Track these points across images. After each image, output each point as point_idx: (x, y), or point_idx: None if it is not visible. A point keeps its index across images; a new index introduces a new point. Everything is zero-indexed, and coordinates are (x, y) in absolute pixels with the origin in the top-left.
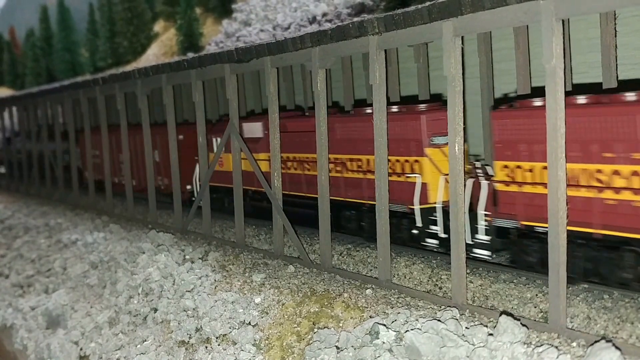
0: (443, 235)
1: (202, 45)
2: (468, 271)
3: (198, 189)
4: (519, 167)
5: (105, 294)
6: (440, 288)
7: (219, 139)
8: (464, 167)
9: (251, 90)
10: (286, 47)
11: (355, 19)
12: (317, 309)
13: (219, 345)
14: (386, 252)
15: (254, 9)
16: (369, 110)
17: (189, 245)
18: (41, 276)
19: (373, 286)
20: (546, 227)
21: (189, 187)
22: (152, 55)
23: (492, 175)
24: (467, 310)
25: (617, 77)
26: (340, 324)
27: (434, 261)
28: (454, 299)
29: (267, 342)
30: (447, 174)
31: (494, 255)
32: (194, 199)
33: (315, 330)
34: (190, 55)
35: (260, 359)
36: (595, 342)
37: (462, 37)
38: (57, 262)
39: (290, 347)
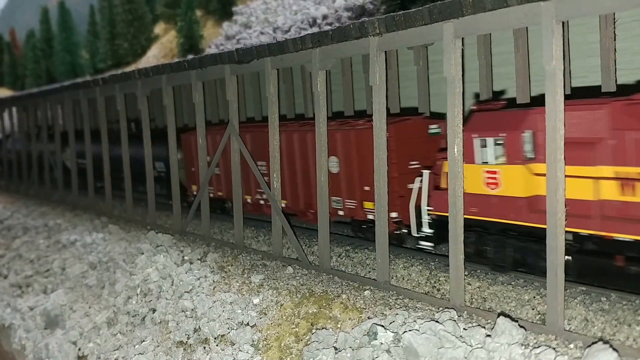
0: None
1: (202, 48)
2: (466, 273)
3: (427, 221)
4: None
5: (103, 294)
6: (439, 290)
7: (488, 140)
8: None
9: (251, 94)
10: (287, 47)
11: (356, 21)
12: (315, 310)
13: (217, 345)
14: (385, 253)
15: (255, 12)
16: None
17: (187, 246)
18: (40, 276)
19: (371, 287)
20: None
21: (394, 214)
22: (152, 57)
23: None
24: (465, 312)
25: (616, 81)
26: (339, 325)
27: (432, 263)
28: (452, 301)
29: (265, 342)
30: None
31: None
32: (416, 234)
33: (314, 331)
34: (191, 57)
35: None
36: (593, 343)
37: (463, 39)
38: (55, 262)
39: (289, 347)
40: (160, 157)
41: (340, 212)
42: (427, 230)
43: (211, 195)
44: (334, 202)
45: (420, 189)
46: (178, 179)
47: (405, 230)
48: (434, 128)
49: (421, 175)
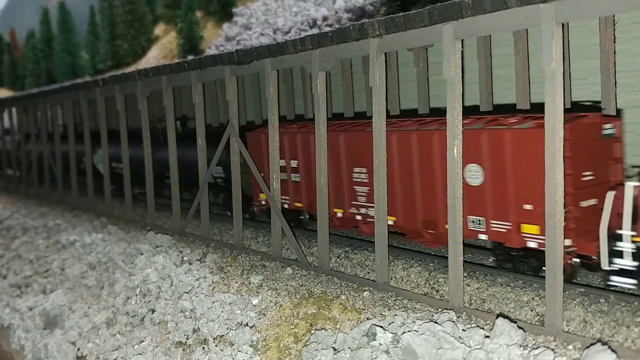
0: None
1: (202, 49)
2: (465, 274)
3: (629, 251)
4: None
5: (103, 294)
6: (437, 291)
7: None
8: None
9: (251, 95)
10: (287, 49)
11: (356, 23)
12: (314, 311)
13: (216, 346)
14: (384, 254)
15: (255, 13)
16: None
17: (187, 247)
18: (39, 277)
19: (370, 288)
20: None
21: (568, 242)
22: (152, 58)
23: None
24: (464, 313)
25: (616, 83)
26: (338, 326)
27: (431, 264)
28: (451, 302)
29: (264, 343)
30: None
31: None
32: (607, 267)
33: (313, 331)
34: (191, 58)
35: None
36: (591, 345)
37: (462, 41)
38: (55, 262)
39: (288, 348)
40: (218, 161)
41: (483, 236)
42: (627, 262)
43: (286, 206)
44: (473, 222)
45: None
46: (177, 181)
47: (577, 260)
48: (608, 128)
49: (615, 189)
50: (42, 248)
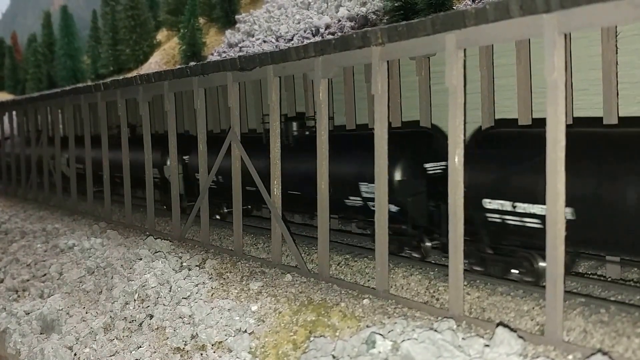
0: None
1: (204, 55)
2: (465, 283)
3: None
4: None
5: (101, 299)
6: (438, 299)
7: None
8: None
9: (252, 100)
10: (289, 56)
11: (359, 31)
12: (313, 318)
13: (214, 352)
14: (384, 262)
15: (258, 20)
16: None
17: (186, 253)
18: (37, 281)
19: (370, 296)
20: None
21: None
22: (154, 64)
23: None
24: (464, 322)
25: (618, 93)
26: (337, 333)
27: (432, 272)
28: (451, 310)
29: (262, 350)
30: None
31: None
32: None
33: (312, 338)
34: (193, 64)
35: None
36: (592, 355)
37: (465, 50)
38: (53, 267)
39: (286, 355)
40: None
41: None
42: None
43: None
44: None
45: None
46: (178, 186)
47: None
48: None
49: None
50: (40, 252)
